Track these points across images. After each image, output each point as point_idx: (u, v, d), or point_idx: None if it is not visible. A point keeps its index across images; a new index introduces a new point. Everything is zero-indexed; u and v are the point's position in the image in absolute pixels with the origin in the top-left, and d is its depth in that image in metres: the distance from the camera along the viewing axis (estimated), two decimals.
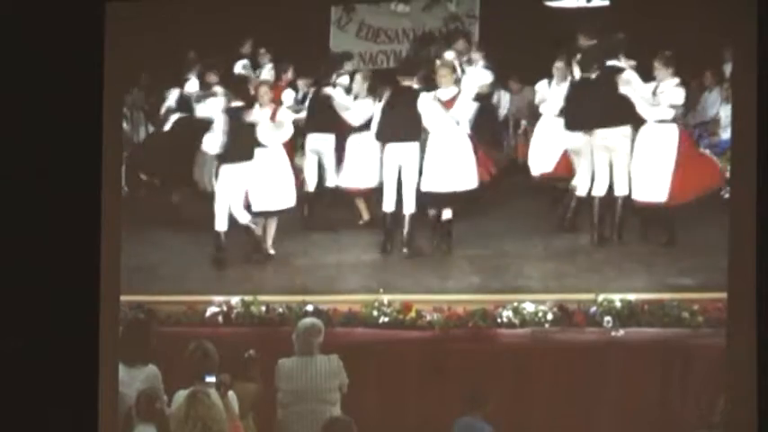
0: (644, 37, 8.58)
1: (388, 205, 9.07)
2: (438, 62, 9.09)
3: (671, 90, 8.62)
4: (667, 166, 8.65)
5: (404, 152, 9.04)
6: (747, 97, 7.72)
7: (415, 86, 9.04)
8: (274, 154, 9.32)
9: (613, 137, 8.73)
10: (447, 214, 9.02)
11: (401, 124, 9.06)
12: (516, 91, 9.33)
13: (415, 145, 9.02)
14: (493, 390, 8.29)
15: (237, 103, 9.31)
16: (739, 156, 7.89)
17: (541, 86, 9.00)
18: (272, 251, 9.23)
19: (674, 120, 8.66)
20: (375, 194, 9.22)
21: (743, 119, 7.81)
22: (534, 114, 9.11)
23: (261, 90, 9.32)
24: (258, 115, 9.29)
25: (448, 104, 8.98)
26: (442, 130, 9.01)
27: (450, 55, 9.11)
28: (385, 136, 9.10)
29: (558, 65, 8.87)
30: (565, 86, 8.88)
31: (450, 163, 8.99)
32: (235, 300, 8.96)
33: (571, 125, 8.84)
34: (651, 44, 8.62)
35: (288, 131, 9.33)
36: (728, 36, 8.05)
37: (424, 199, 8.99)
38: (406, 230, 9.00)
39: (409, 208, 9.00)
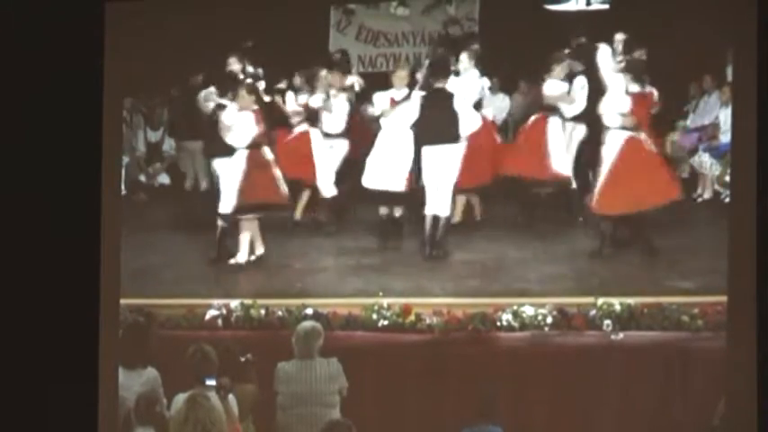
0: (643, 40, 8.62)
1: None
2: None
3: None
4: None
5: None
6: (748, 100, 7.72)
7: (448, 88, 9.05)
8: None
9: None
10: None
11: (438, 126, 9.07)
12: (522, 93, 9.35)
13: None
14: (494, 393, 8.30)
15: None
16: (739, 159, 7.89)
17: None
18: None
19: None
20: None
21: (743, 122, 7.81)
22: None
23: None
24: None
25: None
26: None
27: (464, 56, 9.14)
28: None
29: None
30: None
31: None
32: (234, 303, 8.93)
33: None
34: (650, 47, 8.65)
35: None
36: (728, 39, 8.05)
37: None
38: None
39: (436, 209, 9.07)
